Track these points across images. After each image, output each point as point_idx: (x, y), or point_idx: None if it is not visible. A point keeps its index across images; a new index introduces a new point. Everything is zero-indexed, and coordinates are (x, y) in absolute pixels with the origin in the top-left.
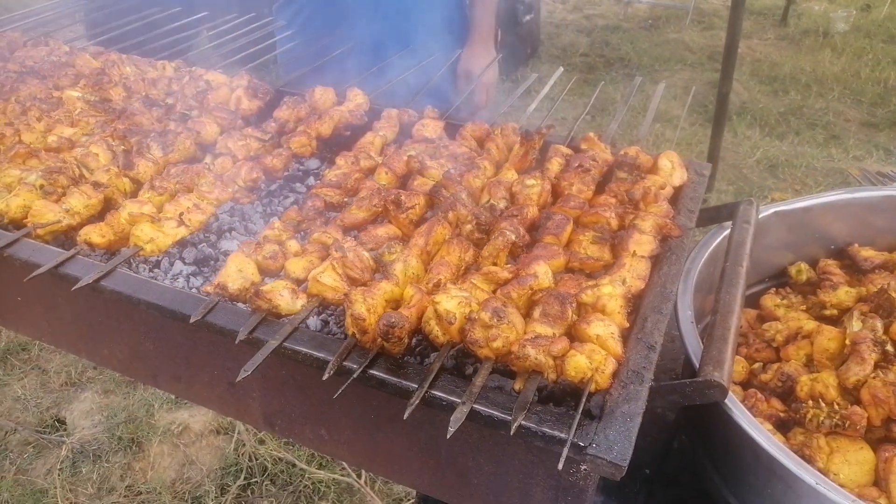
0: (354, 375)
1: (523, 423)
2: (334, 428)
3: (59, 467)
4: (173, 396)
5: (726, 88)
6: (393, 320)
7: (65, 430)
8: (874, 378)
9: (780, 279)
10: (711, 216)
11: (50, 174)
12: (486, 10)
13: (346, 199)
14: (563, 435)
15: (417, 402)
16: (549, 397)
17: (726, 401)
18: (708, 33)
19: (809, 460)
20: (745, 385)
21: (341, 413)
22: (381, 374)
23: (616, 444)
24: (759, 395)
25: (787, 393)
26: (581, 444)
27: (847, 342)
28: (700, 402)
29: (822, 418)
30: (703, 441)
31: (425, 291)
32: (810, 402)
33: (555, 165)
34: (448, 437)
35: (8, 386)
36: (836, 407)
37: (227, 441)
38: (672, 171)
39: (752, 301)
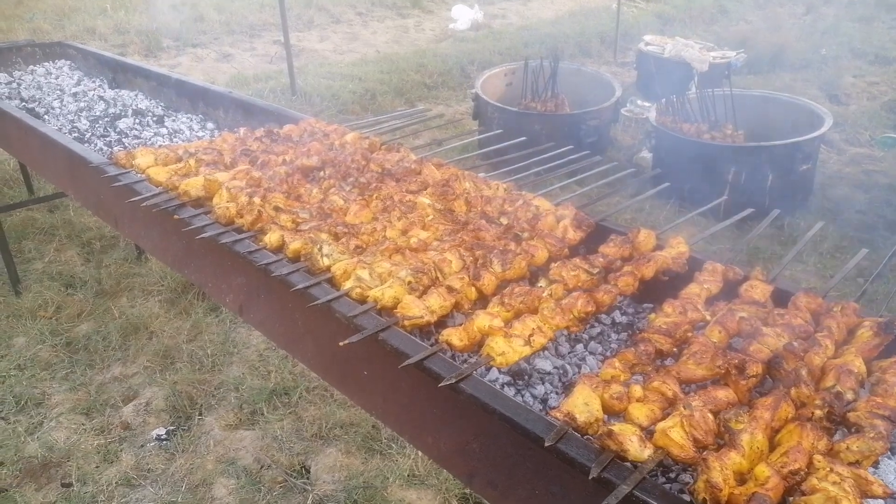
0: None
1: None
2: None
3: None
4: (406, 473)
5: None
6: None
7: (308, 478)
8: None
9: None
10: None
11: (417, 273)
12: None
13: (674, 350)
14: None
15: None
16: None
17: None
18: None
19: None
20: None
21: None
22: None
23: None
24: None
25: None
26: None
27: None
28: None
29: None
30: None
31: (782, 475)
32: None
33: None
34: None
35: (270, 424)
36: None
37: None
38: None
39: None
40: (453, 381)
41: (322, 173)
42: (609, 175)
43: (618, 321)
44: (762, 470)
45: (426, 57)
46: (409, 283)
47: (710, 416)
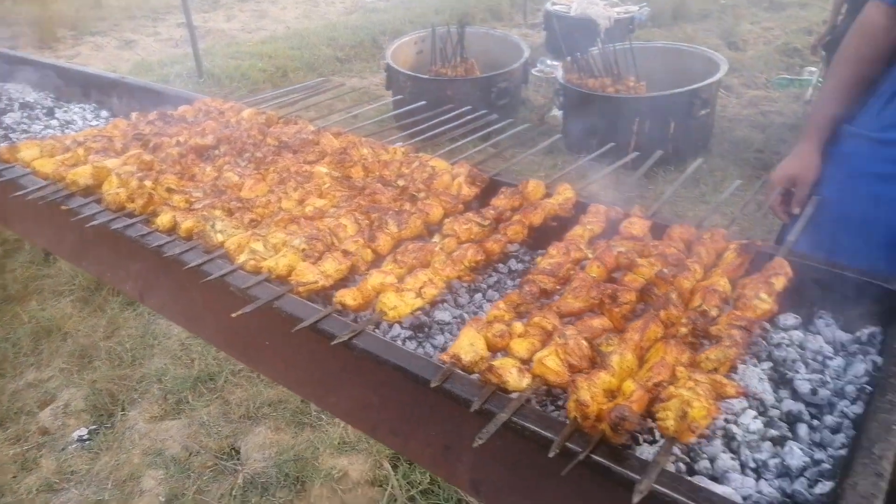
0: (580, 458)
1: None
2: (542, 500)
3: (231, 493)
4: (336, 442)
5: None
6: (626, 414)
7: (238, 459)
8: None
9: None
10: None
11: (310, 240)
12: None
13: (558, 287)
14: None
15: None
16: None
17: None
18: None
19: None
20: None
21: (554, 494)
22: (605, 461)
23: None
24: None
25: None
26: None
27: None
28: None
29: None
30: None
31: (646, 388)
32: None
33: (780, 283)
34: None
35: (196, 411)
36: None
37: (380, 493)
38: None
39: None
40: (346, 338)
41: (217, 151)
42: (521, 135)
43: (514, 269)
44: (628, 385)
45: (337, 30)
46: (304, 250)
47: (585, 342)
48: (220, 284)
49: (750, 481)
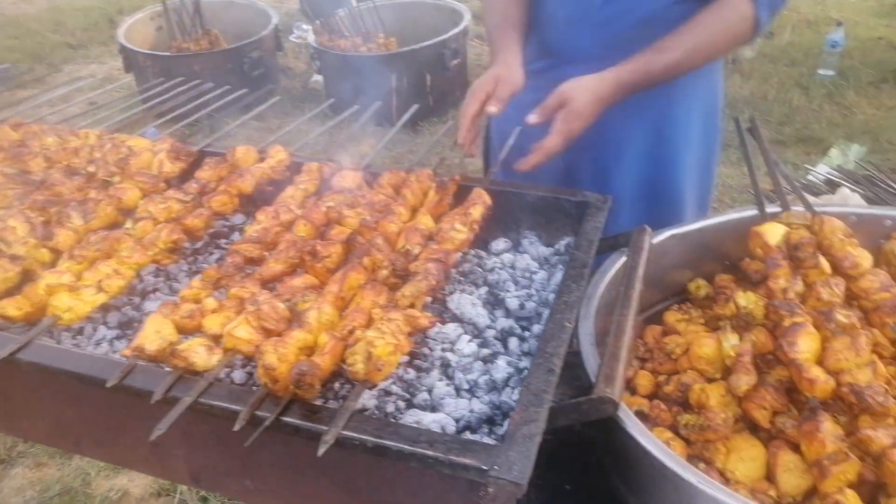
0: (266, 424)
1: (430, 452)
2: (259, 478)
3: None
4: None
5: None
6: (304, 369)
7: None
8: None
9: (682, 296)
10: (611, 244)
11: None
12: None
13: (266, 254)
14: (466, 461)
15: (331, 442)
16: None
17: (619, 413)
18: None
19: (710, 462)
20: (652, 397)
21: (264, 463)
22: (293, 420)
23: (516, 463)
24: (662, 405)
25: (688, 402)
26: (483, 467)
27: (731, 354)
28: (595, 417)
29: (690, 423)
30: (610, 454)
31: (339, 337)
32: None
33: (478, 211)
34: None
35: None
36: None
37: (169, 502)
38: None
39: (658, 318)
40: (6, 354)
41: None
42: (283, 105)
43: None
44: (322, 338)
45: (64, 13)
46: None
47: (281, 305)
48: None
49: (464, 402)
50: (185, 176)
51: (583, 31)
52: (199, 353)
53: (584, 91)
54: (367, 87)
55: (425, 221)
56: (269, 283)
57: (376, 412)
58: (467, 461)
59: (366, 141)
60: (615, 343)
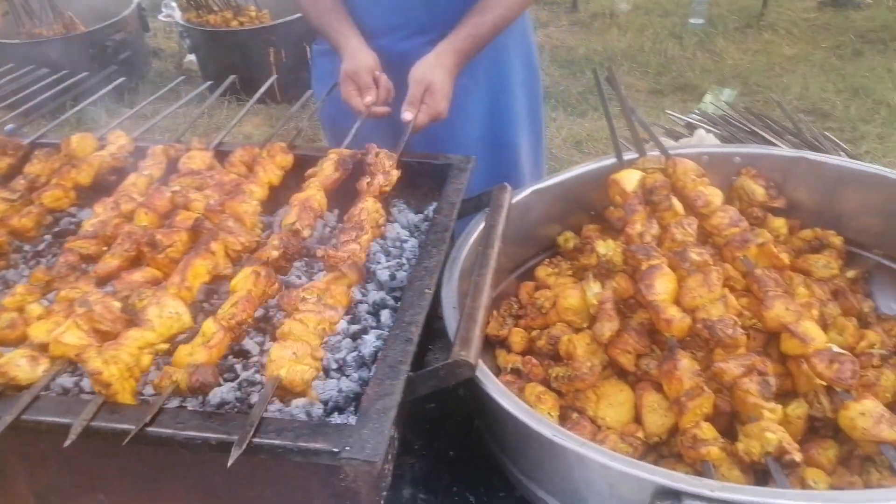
0: (80, 430)
1: (277, 441)
2: (112, 491)
3: None
4: None
5: None
6: (209, 380)
7: None
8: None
9: (553, 250)
10: (475, 204)
11: None
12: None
13: (104, 249)
14: (317, 446)
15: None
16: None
17: (477, 374)
18: None
19: (581, 411)
20: (525, 353)
21: (115, 473)
22: (103, 425)
23: (369, 441)
24: (534, 360)
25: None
26: (334, 449)
27: (594, 302)
28: (454, 382)
29: (559, 375)
30: (480, 417)
31: (227, 328)
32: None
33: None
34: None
35: None
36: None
37: None
38: None
39: (532, 275)
40: None
41: None
42: (154, 88)
43: None
44: (208, 326)
45: None
46: None
47: (116, 304)
48: None
49: (332, 383)
50: (15, 172)
51: (381, 7)
52: (21, 366)
53: (436, 70)
54: (244, 64)
55: (319, 198)
56: (106, 281)
57: (238, 405)
58: (318, 446)
59: (248, 120)
60: (472, 304)
